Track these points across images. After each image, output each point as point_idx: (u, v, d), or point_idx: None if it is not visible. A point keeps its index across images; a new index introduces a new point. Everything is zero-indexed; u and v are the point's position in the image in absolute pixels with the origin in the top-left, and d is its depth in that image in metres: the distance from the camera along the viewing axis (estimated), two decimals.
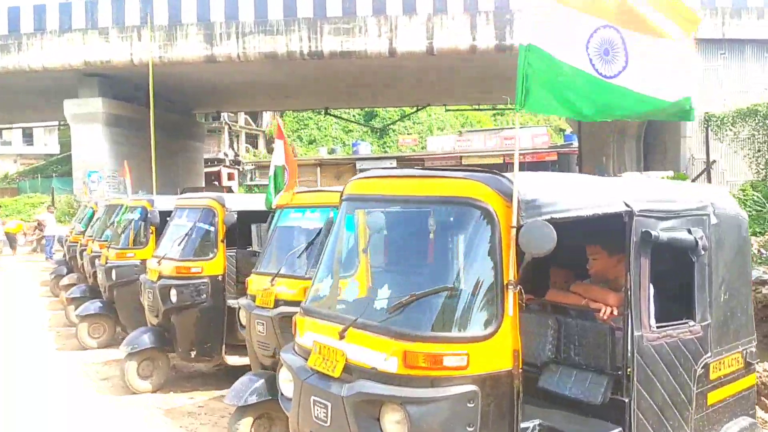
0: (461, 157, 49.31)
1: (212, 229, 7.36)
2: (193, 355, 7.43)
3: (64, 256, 15.70)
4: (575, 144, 48.35)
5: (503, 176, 3.26)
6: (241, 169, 55.24)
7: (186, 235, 7.53)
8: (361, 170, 49.58)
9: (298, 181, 6.20)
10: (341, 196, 4.06)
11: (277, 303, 5.50)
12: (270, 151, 61.53)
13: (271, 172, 6.23)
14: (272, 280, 5.58)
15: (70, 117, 27.82)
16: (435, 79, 28.66)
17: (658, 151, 25.35)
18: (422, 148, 53.98)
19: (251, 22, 25.68)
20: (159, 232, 9.19)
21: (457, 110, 44.05)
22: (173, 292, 7.23)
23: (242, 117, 59.00)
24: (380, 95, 33.26)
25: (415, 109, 36.37)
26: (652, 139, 25.71)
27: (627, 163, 25.83)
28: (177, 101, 31.55)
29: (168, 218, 8.38)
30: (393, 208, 3.76)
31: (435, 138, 53.96)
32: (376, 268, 3.81)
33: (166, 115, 31.82)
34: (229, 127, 55.76)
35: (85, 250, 12.25)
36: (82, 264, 12.42)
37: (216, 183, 45.16)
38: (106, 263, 9.49)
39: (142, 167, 30.52)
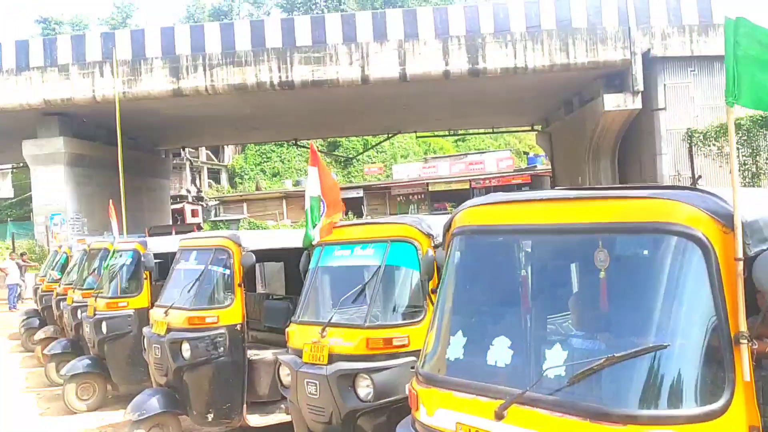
0: (428, 184, 48.95)
1: (228, 272, 6.41)
2: (210, 418, 6.41)
3: (37, 306, 14.39)
4: (539, 166, 48.62)
5: (711, 193, 2.48)
6: (204, 205, 53.91)
7: (196, 280, 6.55)
8: None
9: (342, 214, 5.33)
10: (450, 229, 3.21)
11: (332, 358, 4.56)
12: (234, 185, 60.32)
13: (307, 205, 5.35)
14: (323, 330, 4.67)
15: (30, 158, 26.36)
16: (407, 106, 28.11)
17: (633, 169, 25.16)
18: (387, 176, 53.48)
19: (218, 54, 24.80)
20: (154, 278, 8.24)
21: (429, 136, 43.71)
22: (186, 347, 6.24)
23: (203, 152, 57.72)
24: (350, 124, 32.58)
25: (385, 136, 35.78)
26: (627, 157, 25.54)
27: (602, 181, 25.54)
28: (141, 138, 30.31)
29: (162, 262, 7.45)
30: (538, 242, 2.92)
31: (400, 165, 53.48)
32: (523, 321, 2.94)
33: (130, 152, 30.42)
34: (191, 163, 54.45)
35: (63, 299, 11.09)
36: (60, 315, 11.24)
37: (179, 221, 43.75)
38: (95, 314, 8.42)
39: (105, 207, 29.01)
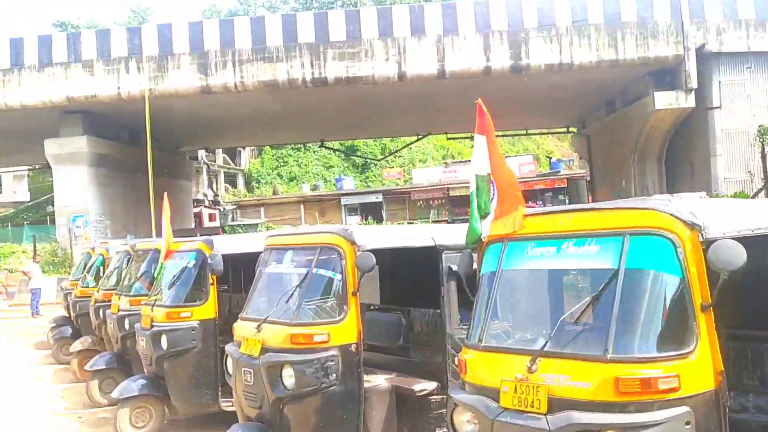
0: (449, 189, 47.54)
1: (338, 276, 5.02)
2: None
3: (69, 313, 13.00)
4: (562, 171, 47.12)
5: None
6: (221, 209, 52.73)
7: (297, 287, 5.15)
8: (346, 206, 47.81)
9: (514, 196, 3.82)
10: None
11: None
12: (250, 190, 59.06)
13: (472, 187, 3.93)
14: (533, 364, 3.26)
15: (52, 158, 25.06)
16: (440, 106, 26.70)
17: (683, 171, 23.67)
18: (404, 182, 52.19)
19: (248, 50, 23.48)
20: (223, 283, 6.89)
21: (460, 138, 42.27)
22: (288, 373, 4.82)
23: (220, 156, 56.58)
24: (379, 125, 31.18)
25: (407, 141, 34.36)
26: (676, 160, 24.05)
27: (649, 185, 24.09)
28: (163, 138, 28.97)
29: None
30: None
31: (420, 170, 52.10)
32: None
33: (154, 153, 29.25)
34: (208, 167, 53.22)
35: (103, 306, 9.71)
36: (100, 324, 9.86)
37: (196, 224, 42.55)
38: (151, 326, 7.00)
39: (127, 210, 27.80)
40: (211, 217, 49.70)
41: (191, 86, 23.70)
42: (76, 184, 24.82)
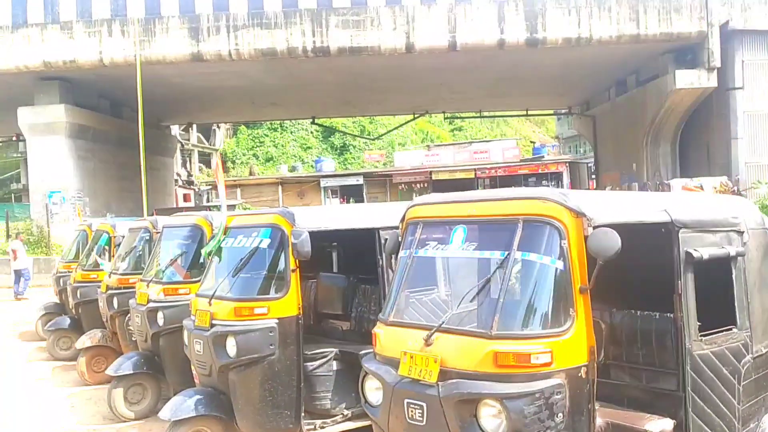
0: (431, 172, 46.01)
1: (561, 266, 3.38)
2: None
3: (67, 300, 10.99)
4: (546, 156, 45.95)
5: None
6: (196, 190, 50.28)
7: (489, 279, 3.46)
8: (326, 188, 46.00)
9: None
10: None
11: None
12: (225, 170, 56.54)
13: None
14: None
15: (27, 128, 22.61)
16: (446, 83, 25.00)
17: (698, 155, 22.46)
18: (384, 164, 50.56)
19: (245, 14, 21.38)
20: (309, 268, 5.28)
21: (458, 117, 40.72)
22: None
23: (194, 135, 53.88)
24: (376, 102, 29.30)
25: (412, 116, 32.60)
26: (690, 142, 22.84)
27: (662, 169, 22.85)
28: (146, 110, 26.64)
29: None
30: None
31: (402, 153, 50.39)
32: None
33: (133, 126, 26.86)
34: (182, 146, 50.59)
35: (117, 294, 7.84)
36: (113, 317, 7.97)
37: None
38: (211, 326, 5.20)
39: (110, 187, 25.48)
40: (186, 198, 47.31)
41: (181, 53, 21.53)
42: (52, 156, 22.47)
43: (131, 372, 6.74)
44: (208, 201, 47.53)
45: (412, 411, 3.33)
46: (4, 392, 8.08)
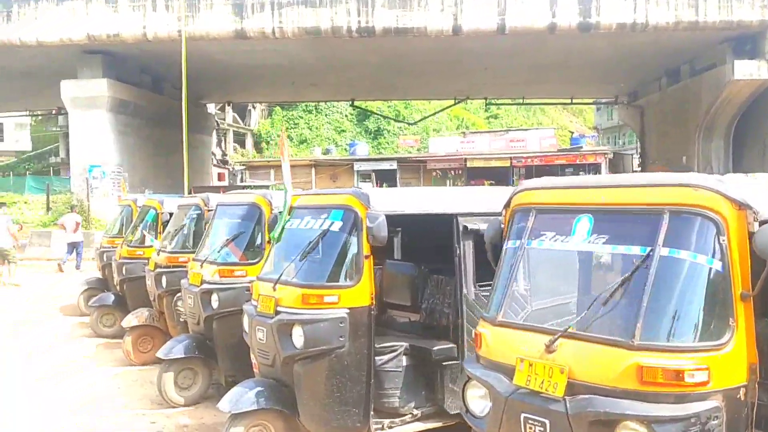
0: (466, 160, 45.28)
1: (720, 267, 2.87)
2: None
3: (113, 276, 10.73)
4: (584, 148, 44.88)
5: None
6: (230, 170, 50.26)
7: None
8: (359, 171, 45.58)
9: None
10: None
11: None
12: (259, 151, 56.60)
13: None
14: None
15: (69, 101, 22.50)
16: (491, 67, 24.28)
17: (753, 152, 21.48)
18: (418, 150, 49.96)
19: None
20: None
21: (500, 104, 39.92)
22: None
23: (230, 115, 53.83)
24: (417, 86, 28.66)
25: (453, 101, 31.89)
26: (745, 138, 21.86)
27: (713, 163, 21.93)
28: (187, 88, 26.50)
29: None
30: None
31: (437, 139, 49.72)
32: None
33: (173, 103, 26.68)
34: (217, 125, 50.58)
35: (167, 274, 7.51)
36: (161, 296, 7.65)
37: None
38: (276, 312, 4.79)
39: (148, 163, 25.33)
40: (220, 177, 47.53)
41: (224, 29, 21.13)
42: (94, 130, 22.36)
43: (182, 356, 6.38)
44: (242, 181, 47.54)
45: (530, 427, 2.92)
46: (51, 370, 7.81)
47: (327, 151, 51.02)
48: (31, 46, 21.43)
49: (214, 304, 6.19)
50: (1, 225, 13.90)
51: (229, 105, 39.80)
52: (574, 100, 32.45)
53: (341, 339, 4.65)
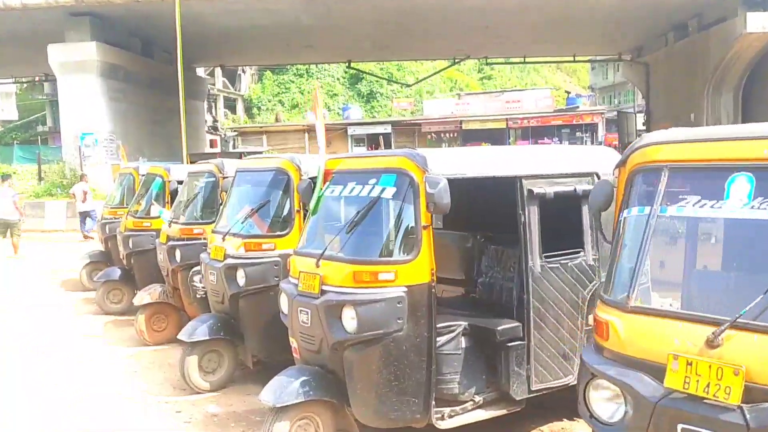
0: (461, 122, 44.47)
1: None
2: None
3: (106, 247, 10.09)
4: (581, 108, 44.12)
5: None
6: (222, 136, 49.17)
7: None
8: (353, 136, 44.68)
9: None
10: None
11: None
12: (250, 116, 55.40)
13: None
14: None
15: (57, 66, 21.47)
16: (491, 25, 23.33)
17: (760, 108, 20.87)
18: (412, 113, 49.02)
19: None
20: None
21: (500, 63, 38.87)
22: None
23: (219, 80, 52.45)
24: (416, 46, 27.67)
25: (452, 61, 30.91)
26: (752, 94, 21.23)
27: (723, 120, 21.32)
28: (175, 52, 25.39)
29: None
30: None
31: (432, 101, 48.75)
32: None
33: (165, 67, 25.70)
34: (207, 91, 49.31)
35: (180, 247, 6.89)
36: (175, 271, 7.04)
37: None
38: (321, 292, 4.19)
39: (142, 130, 24.40)
40: (213, 143, 46.32)
41: None
42: (84, 96, 21.40)
43: (207, 338, 5.76)
44: (234, 147, 46.55)
45: None
46: (60, 351, 7.20)
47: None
48: (15, 9, 20.35)
49: (241, 280, 5.57)
50: (7, 197, 13.41)
51: (222, 69, 38.55)
52: (577, 58, 31.50)
53: (399, 321, 4.05)
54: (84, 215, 15.78)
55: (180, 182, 8.58)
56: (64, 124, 22.30)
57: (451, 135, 44.84)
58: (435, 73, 41.27)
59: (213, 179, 7.13)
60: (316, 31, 24.43)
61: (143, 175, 9.60)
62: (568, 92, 48.68)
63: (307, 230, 4.80)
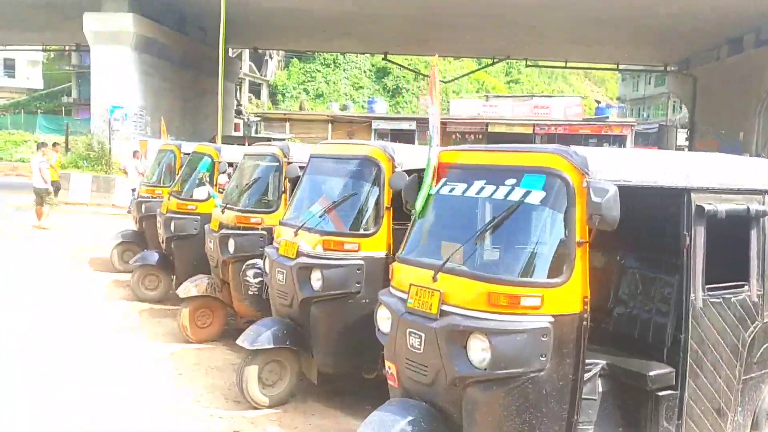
0: (487, 124, 43.56)
1: None
2: None
3: (141, 227, 9.29)
4: (611, 117, 43.06)
5: None
6: (245, 120, 48.48)
7: None
8: (377, 130, 43.84)
9: None
10: None
11: None
12: (274, 102, 54.63)
13: None
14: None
15: (92, 35, 20.73)
16: (532, 24, 22.32)
17: None
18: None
19: None
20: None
21: (542, 66, 38.07)
22: None
23: (246, 64, 51.67)
24: (455, 42, 26.72)
25: (491, 61, 30.02)
26: None
27: None
28: (210, 30, 24.56)
29: None
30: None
31: (459, 101, 47.81)
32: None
33: (197, 46, 24.98)
34: (239, 72, 48.54)
35: (234, 236, 6.09)
36: (227, 262, 6.24)
37: (215, 135, 38.55)
38: (441, 312, 3.38)
39: (173, 107, 23.62)
40: (236, 127, 45.66)
41: None
42: (117, 68, 20.67)
43: (271, 346, 4.93)
44: (257, 132, 45.82)
45: None
46: (91, 343, 6.40)
47: (345, 107, 49.23)
48: None
49: (316, 283, 4.75)
50: (34, 166, 12.84)
51: (255, 51, 37.81)
52: (620, 67, 30.46)
53: (542, 359, 3.21)
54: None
55: (230, 164, 7.83)
56: (94, 95, 21.56)
57: (476, 136, 43.93)
58: (475, 71, 40.50)
59: (276, 164, 6.30)
60: (356, 20, 23.57)
61: (187, 154, 8.79)
62: (598, 102, 47.59)
63: (413, 234, 3.95)
